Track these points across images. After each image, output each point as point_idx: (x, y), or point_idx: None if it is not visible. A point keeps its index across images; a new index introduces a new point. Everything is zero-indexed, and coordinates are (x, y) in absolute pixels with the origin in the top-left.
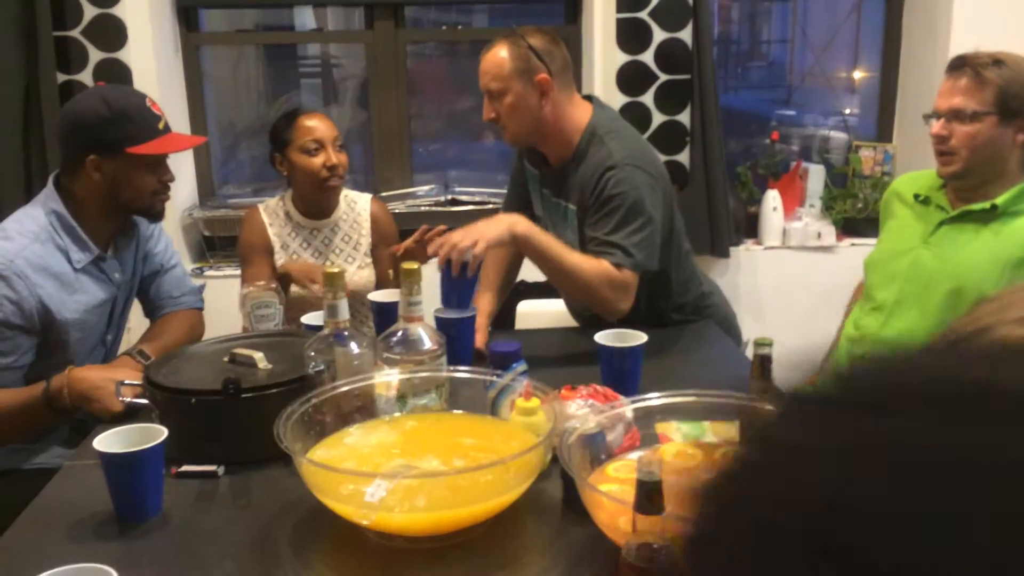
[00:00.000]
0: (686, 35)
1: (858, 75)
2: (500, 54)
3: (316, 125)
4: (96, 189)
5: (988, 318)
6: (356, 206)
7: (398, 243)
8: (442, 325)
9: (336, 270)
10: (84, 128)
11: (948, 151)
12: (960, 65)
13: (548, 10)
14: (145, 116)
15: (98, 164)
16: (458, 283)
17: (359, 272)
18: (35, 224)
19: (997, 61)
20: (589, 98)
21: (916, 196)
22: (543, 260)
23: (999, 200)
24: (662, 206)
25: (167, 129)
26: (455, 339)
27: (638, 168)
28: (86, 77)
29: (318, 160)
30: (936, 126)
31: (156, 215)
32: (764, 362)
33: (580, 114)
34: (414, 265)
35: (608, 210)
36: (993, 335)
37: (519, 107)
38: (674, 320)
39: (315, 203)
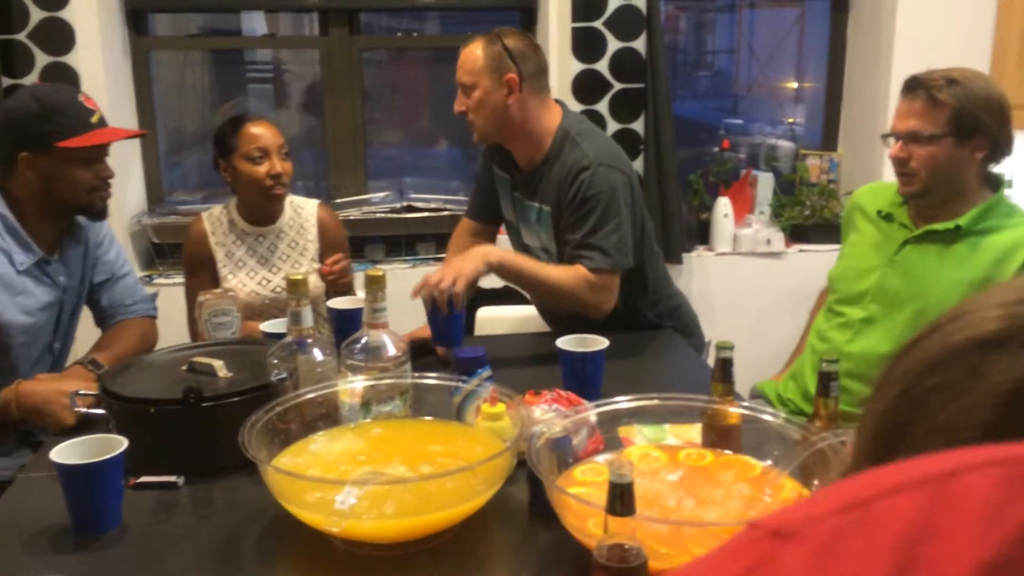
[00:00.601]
0: (639, 44)
1: (802, 85)
2: (476, 51)
3: (261, 133)
4: (32, 188)
5: (970, 304)
6: (303, 212)
7: (347, 250)
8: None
9: (299, 277)
10: (14, 125)
11: (908, 172)
12: (914, 87)
13: (503, 18)
14: (76, 110)
15: (31, 161)
16: (447, 320)
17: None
18: None
19: (951, 80)
20: (557, 102)
21: (879, 212)
22: (522, 280)
23: (963, 221)
24: (634, 204)
25: (102, 123)
26: (444, 332)
27: (612, 168)
28: (32, 80)
29: (262, 168)
30: (894, 148)
31: (97, 213)
32: (725, 365)
33: (551, 117)
34: (379, 272)
35: (585, 212)
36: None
37: (486, 102)
38: (648, 319)
39: (260, 210)
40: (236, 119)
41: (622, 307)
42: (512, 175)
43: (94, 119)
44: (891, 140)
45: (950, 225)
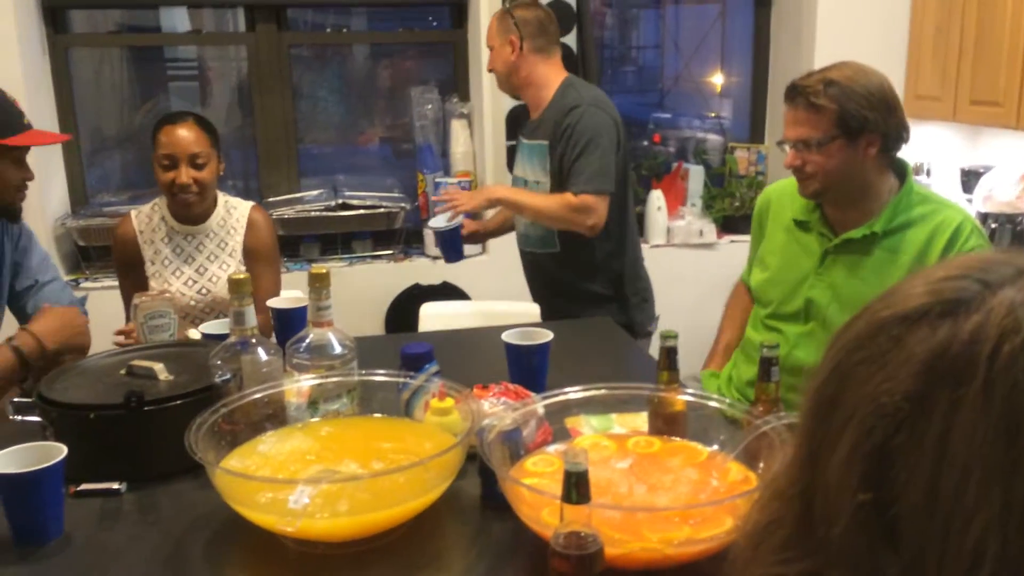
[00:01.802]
0: (571, 40)
1: (726, 79)
2: (493, 21)
3: (170, 140)
4: None
5: (899, 284)
6: (235, 212)
7: (274, 253)
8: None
9: (242, 276)
10: None
11: (805, 177)
12: (794, 95)
13: (433, 12)
14: (9, 110)
15: None
16: (447, 237)
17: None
18: None
19: (828, 82)
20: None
21: (795, 220)
22: (517, 207)
23: (877, 227)
24: (618, 147)
25: (30, 126)
26: (447, 244)
27: (600, 109)
28: None
29: (169, 176)
30: (788, 157)
31: (14, 215)
32: (670, 353)
33: (555, 73)
34: (323, 269)
35: (572, 143)
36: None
37: (497, 59)
38: (621, 279)
39: (185, 209)
40: (162, 119)
41: (600, 259)
42: (524, 126)
43: (25, 120)
44: (786, 148)
45: (866, 231)
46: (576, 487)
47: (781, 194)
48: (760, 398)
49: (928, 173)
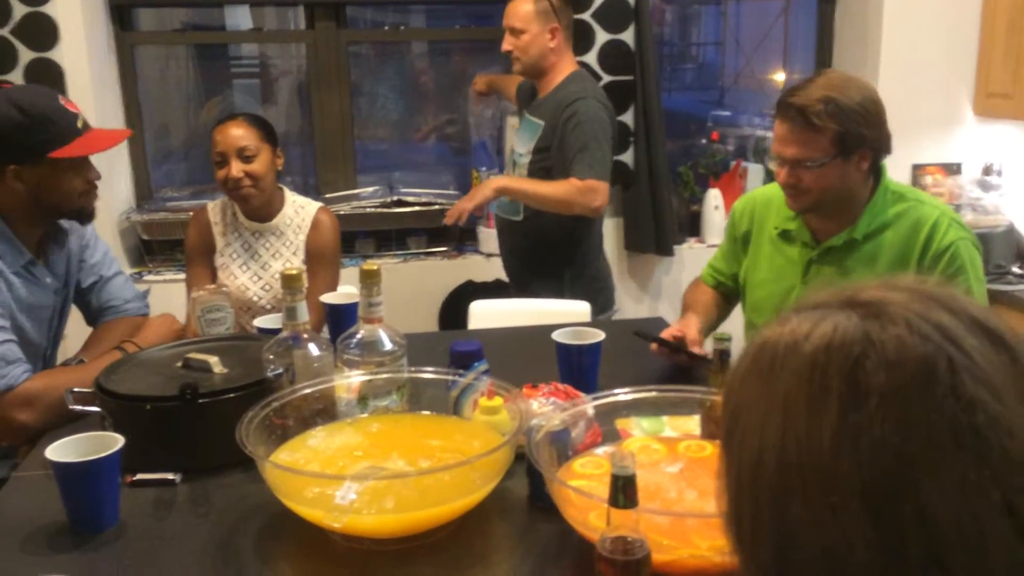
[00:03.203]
0: (628, 37)
1: (788, 77)
2: (527, 2)
3: (221, 137)
4: (18, 197)
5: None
6: (302, 212)
7: (334, 256)
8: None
9: (294, 272)
10: (1, 138)
11: (799, 193)
12: (790, 113)
13: (490, 11)
14: (64, 117)
15: (19, 173)
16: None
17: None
18: None
19: (827, 99)
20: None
21: (776, 230)
22: (525, 197)
23: (857, 233)
24: (611, 142)
25: (86, 126)
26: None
27: (602, 105)
28: (16, 77)
29: (222, 173)
30: (782, 175)
31: (87, 216)
32: (724, 356)
33: (570, 63)
34: (374, 266)
35: (576, 132)
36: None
37: (533, 44)
38: (573, 260)
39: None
40: (217, 122)
41: (560, 235)
42: (531, 102)
43: (79, 123)
44: (775, 164)
45: (846, 237)
46: (623, 491)
47: (764, 204)
48: None
49: (999, 173)
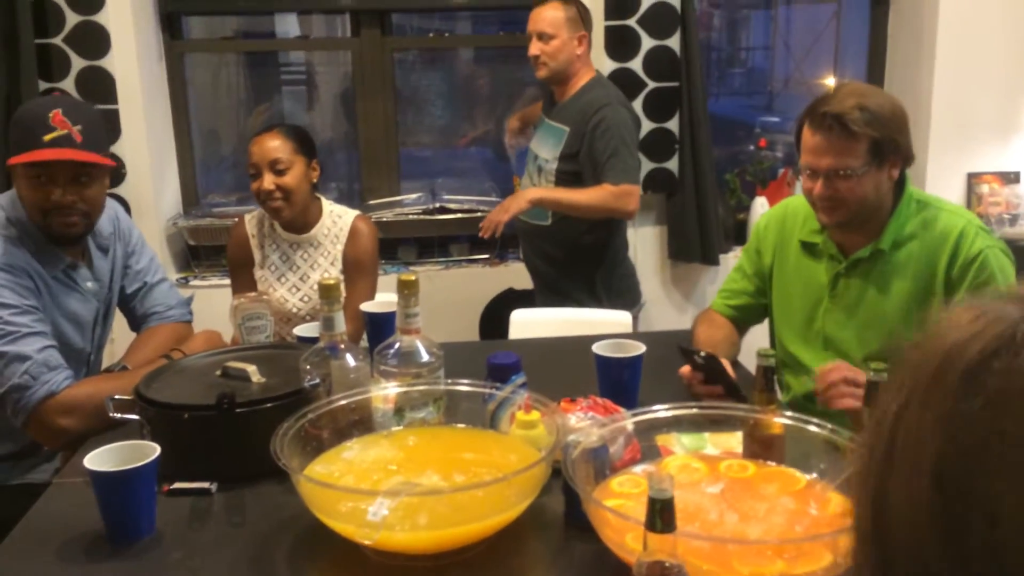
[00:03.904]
0: (674, 43)
1: (840, 82)
2: (557, 9)
3: (255, 149)
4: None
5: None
6: (339, 221)
7: (371, 264)
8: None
9: (332, 282)
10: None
11: (834, 204)
12: (827, 123)
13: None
14: (32, 125)
15: (10, 171)
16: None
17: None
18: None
19: (861, 107)
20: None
21: (802, 243)
22: (560, 206)
23: (884, 244)
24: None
25: (56, 143)
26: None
27: (627, 110)
28: (68, 85)
29: (255, 185)
30: (817, 187)
31: (56, 238)
32: (767, 373)
33: (590, 69)
34: (411, 277)
35: (605, 138)
36: None
37: (561, 50)
38: (602, 263)
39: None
40: (257, 131)
41: (588, 240)
42: (549, 107)
43: (47, 137)
44: (806, 176)
45: (873, 249)
46: (660, 515)
47: (791, 217)
48: (863, 424)
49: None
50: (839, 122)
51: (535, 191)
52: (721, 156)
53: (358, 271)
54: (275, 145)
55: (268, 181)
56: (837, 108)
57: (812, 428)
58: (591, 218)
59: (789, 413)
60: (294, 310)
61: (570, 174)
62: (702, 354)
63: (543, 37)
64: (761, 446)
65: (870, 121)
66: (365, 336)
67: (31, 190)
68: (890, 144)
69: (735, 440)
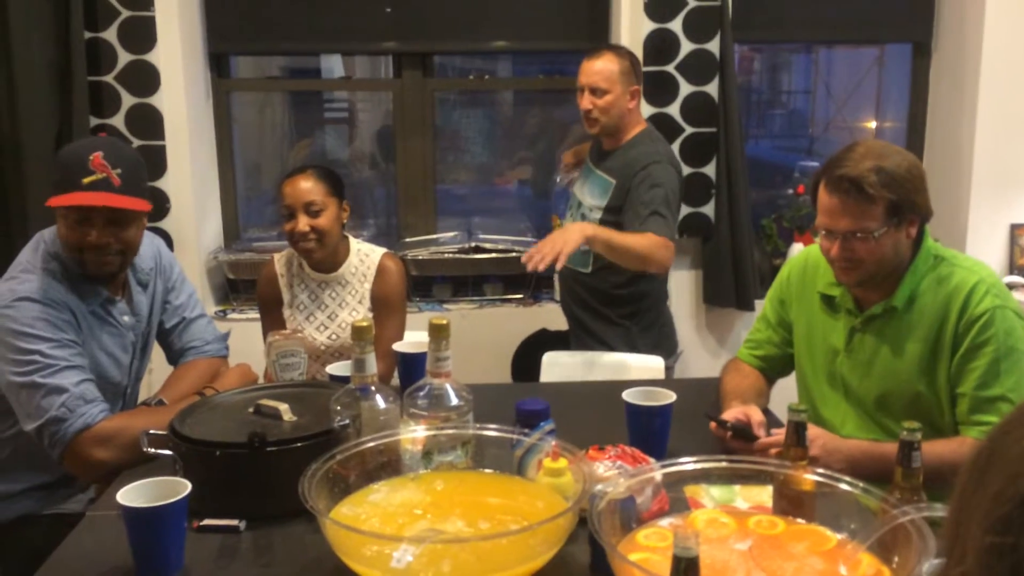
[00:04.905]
0: (712, 88)
1: (880, 126)
2: (612, 63)
3: (289, 191)
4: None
5: None
6: (367, 260)
7: (399, 302)
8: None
9: (365, 323)
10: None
11: (853, 266)
12: (844, 186)
13: (575, 60)
14: (73, 168)
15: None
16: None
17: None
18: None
19: (878, 170)
20: None
21: (821, 296)
22: (610, 247)
23: (897, 302)
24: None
25: (94, 187)
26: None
27: (674, 168)
28: (118, 121)
29: (288, 226)
30: (835, 248)
31: (92, 276)
32: (799, 428)
33: (640, 121)
34: (443, 320)
35: (654, 192)
36: None
37: (615, 104)
38: (661, 316)
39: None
40: (286, 175)
41: (627, 289)
42: (597, 155)
43: (86, 180)
44: (822, 237)
45: (885, 306)
46: (685, 573)
47: (812, 267)
48: (898, 484)
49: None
50: (856, 185)
51: (588, 227)
52: (759, 200)
53: (386, 309)
54: (309, 187)
55: (303, 223)
56: (853, 171)
57: (844, 486)
58: (629, 268)
59: (820, 470)
60: (322, 347)
61: (613, 224)
62: (729, 424)
63: (596, 92)
64: (791, 503)
65: (887, 183)
66: (397, 374)
67: (68, 230)
68: (908, 204)
69: (766, 494)
